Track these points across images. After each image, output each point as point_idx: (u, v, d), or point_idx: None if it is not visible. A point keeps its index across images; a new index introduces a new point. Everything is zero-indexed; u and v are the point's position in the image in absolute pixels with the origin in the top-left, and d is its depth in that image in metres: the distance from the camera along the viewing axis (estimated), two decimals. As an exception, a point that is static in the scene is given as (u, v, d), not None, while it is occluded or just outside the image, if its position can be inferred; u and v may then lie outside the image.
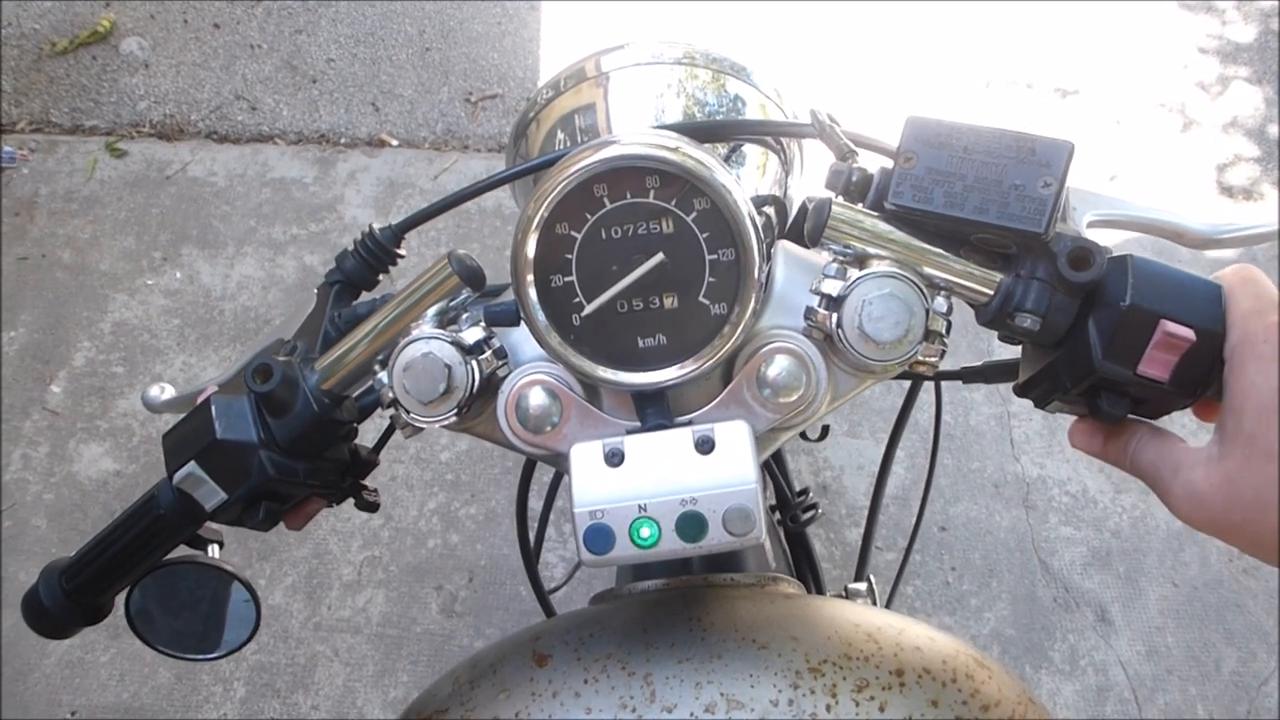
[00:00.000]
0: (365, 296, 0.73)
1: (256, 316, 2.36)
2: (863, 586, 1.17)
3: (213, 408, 0.63)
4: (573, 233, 0.58)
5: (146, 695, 1.91)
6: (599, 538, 0.57)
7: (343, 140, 2.72)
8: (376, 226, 0.71)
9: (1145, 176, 2.72)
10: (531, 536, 1.09)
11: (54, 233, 2.48)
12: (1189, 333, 0.53)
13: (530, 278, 0.58)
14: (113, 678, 1.93)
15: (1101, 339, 0.55)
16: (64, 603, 0.69)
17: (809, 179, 1.01)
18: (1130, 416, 0.58)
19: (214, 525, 0.71)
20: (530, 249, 0.57)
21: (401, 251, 0.73)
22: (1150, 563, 2.14)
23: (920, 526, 1.20)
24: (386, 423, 0.81)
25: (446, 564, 2.06)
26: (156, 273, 2.43)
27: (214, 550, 0.74)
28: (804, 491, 1.10)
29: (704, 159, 0.57)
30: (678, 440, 0.58)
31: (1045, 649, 2.03)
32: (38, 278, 2.41)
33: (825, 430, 1.14)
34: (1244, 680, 2.01)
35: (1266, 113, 2.87)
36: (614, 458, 0.58)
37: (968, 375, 0.81)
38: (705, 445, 0.58)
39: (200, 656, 0.77)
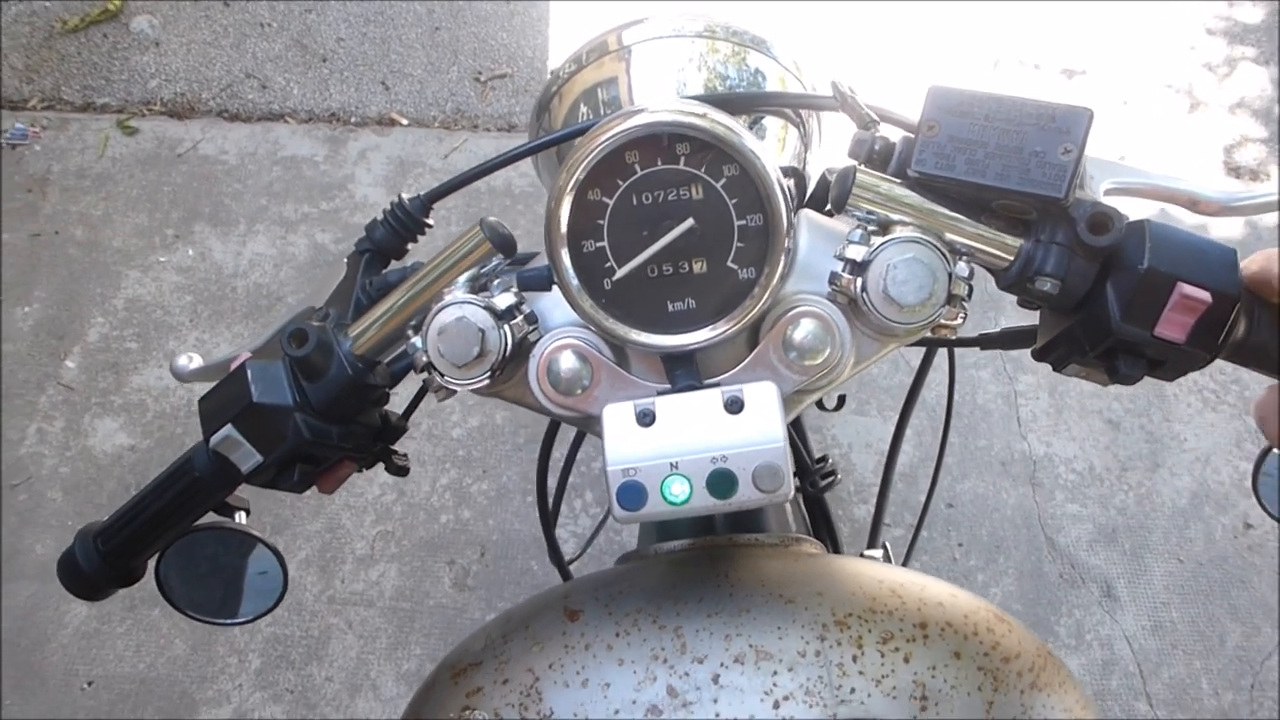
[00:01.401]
0: (394, 265, 0.73)
1: (269, 294, 2.36)
2: (878, 554, 1.18)
3: (248, 372, 0.63)
4: (604, 199, 0.59)
5: (163, 666, 1.92)
6: (632, 494, 0.57)
7: (353, 119, 2.71)
8: (406, 196, 0.71)
9: (1152, 157, 2.70)
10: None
11: (66, 210, 2.47)
12: (1205, 295, 0.54)
13: (564, 243, 0.59)
14: (129, 648, 1.93)
15: (1119, 302, 0.56)
16: (100, 564, 0.70)
17: (825, 153, 1.01)
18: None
19: (241, 494, 0.72)
20: (564, 215, 0.58)
21: (430, 221, 0.72)
22: (1155, 539, 2.14)
23: (935, 490, 1.20)
24: (414, 390, 0.82)
25: (459, 539, 2.06)
26: (169, 250, 2.42)
27: (241, 516, 0.75)
28: (823, 458, 1.10)
29: (733, 126, 0.58)
30: (707, 401, 0.59)
31: (1051, 624, 2.03)
32: (51, 254, 2.40)
33: (842, 400, 1.14)
34: (1248, 655, 2.01)
35: (1273, 93, 2.85)
36: (645, 418, 0.59)
37: (984, 342, 0.82)
38: (734, 405, 0.58)
39: (227, 621, 0.77)
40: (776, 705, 0.55)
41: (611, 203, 0.59)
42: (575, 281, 0.59)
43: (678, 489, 0.57)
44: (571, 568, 1.21)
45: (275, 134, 2.64)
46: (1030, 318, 0.68)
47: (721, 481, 0.57)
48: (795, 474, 1.13)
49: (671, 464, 0.57)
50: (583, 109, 0.93)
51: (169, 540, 0.71)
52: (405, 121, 2.72)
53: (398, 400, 0.69)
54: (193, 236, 2.44)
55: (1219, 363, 0.59)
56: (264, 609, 0.77)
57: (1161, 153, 2.72)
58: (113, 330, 2.30)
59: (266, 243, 2.44)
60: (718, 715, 0.55)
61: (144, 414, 2.19)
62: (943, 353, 1.04)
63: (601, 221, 0.59)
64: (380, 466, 0.74)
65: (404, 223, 0.71)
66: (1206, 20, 3.01)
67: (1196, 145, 2.75)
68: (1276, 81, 2.88)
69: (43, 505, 2.07)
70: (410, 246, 0.74)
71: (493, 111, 2.78)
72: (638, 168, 0.58)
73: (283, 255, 2.42)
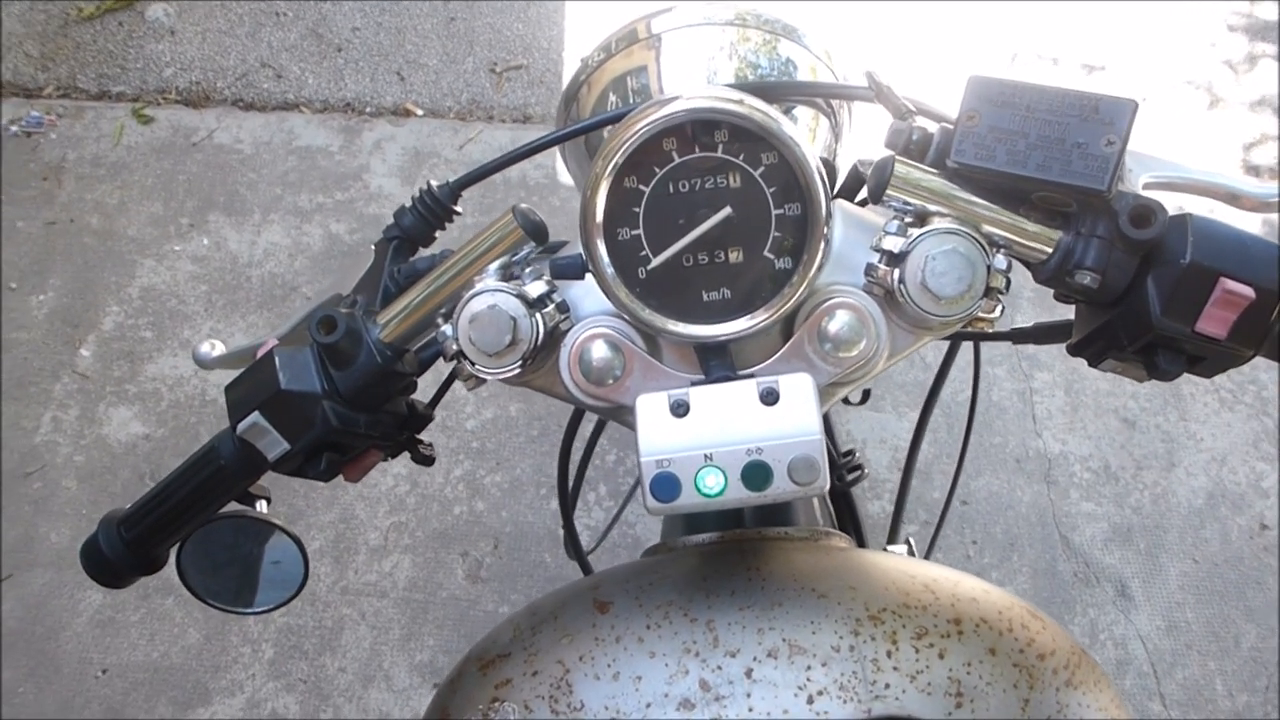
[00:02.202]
0: (423, 252, 0.72)
1: (283, 284, 2.34)
2: (902, 549, 1.16)
3: (276, 359, 0.62)
4: (640, 187, 0.58)
5: (176, 655, 1.91)
6: (665, 486, 0.56)
7: (368, 109, 2.69)
8: (435, 183, 0.70)
9: (1171, 154, 2.67)
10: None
11: (82, 198, 2.46)
12: (1248, 290, 0.54)
13: (599, 231, 0.58)
14: (143, 637, 1.93)
15: (1160, 296, 0.56)
16: (123, 552, 0.69)
17: (854, 145, 1.00)
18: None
19: (262, 482, 0.71)
20: (600, 202, 0.57)
21: (459, 209, 0.72)
22: (1171, 539, 2.12)
23: (956, 485, 1.18)
24: (441, 380, 0.81)
25: (472, 530, 2.05)
26: (184, 239, 2.41)
27: (262, 505, 0.74)
28: (850, 452, 1.10)
29: (772, 113, 0.56)
30: (742, 392, 0.58)
31: (1065, 622, 2.02)
32: (66, 242, 2.39)
33: (866, 394, 1.13)
34: (1263, 656, 2.00)
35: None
36: (679, 408, 0.58)
37: (1017, 336, 0.80)
38: (770, 397, 0.58)
39: (247, 610, 0.77)
40: (811, 700, 0.54)
41: (648, 190, 0.58)
42: (610, 270, 0.58)
43: (712, 481, 0.56)
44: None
45: (290, 124, 2.63)
46: (1053, 312, 0.67)
47: (757, 474, 0.56)
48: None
49: (706, 455, 0.56)
50: (612, 98, 0.92)
51: (192, 528, 0.70)
52: (420, 112, 2.71)
53: (422, 389, 0.69)
54: (207, 226, 2.43)
55: None
56: (284, 598, 0.77)
57: (1180, 150, 2.69)
58: (127, 319, 2.29)
59: (281, 232, 2.43)
60: (751, 710, 0.54)
61: (159, 403, 2.18)
62: (966, 347, 1.02)
63: (637, 209, 0.58)
64: (404, 456, 0.73)
65: (433, 210, 0.70)
66: (1227, 17, 2.97)
67: (1215, 142, 2.72)
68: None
69: (57, 494, 2.07)
70: (438, 234, 0.73)
71: (508, 103, 2.76)
72: (675, 155, 0.57)
73: (297, 245, 2.41)
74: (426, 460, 0.74)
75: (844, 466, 1.07)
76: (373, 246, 0.71)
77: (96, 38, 2.76)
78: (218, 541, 0.74)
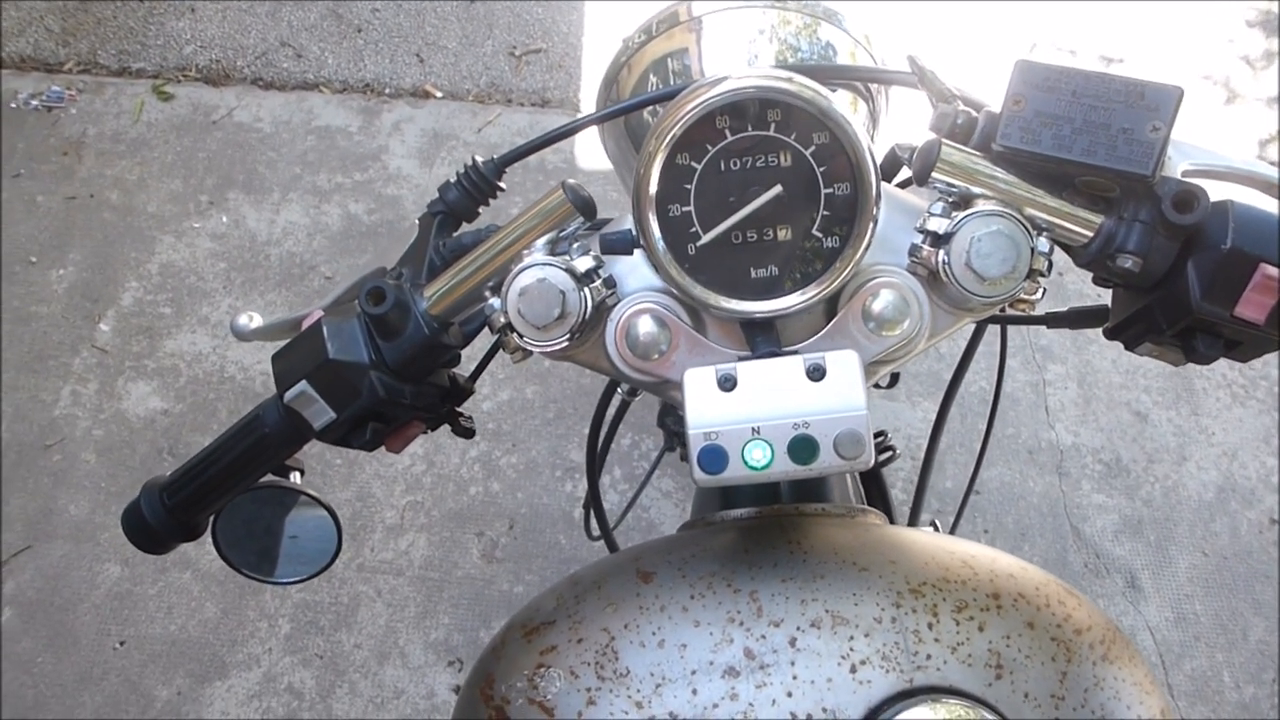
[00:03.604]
0: (466, 228, 0.71)
1: (301, 263, 2.33)
2: (929, 530, 1.16)
3: (324, 329, 0.62)
4: (693, 164, 0.58)
5: (194, 628, 1.90)
6: (713, 458, 0.57)
7: (387, 90, 2.67)
8: (480, 159, 0.70)
9: (1211, 143, 2.65)
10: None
11: (101, 174, 2.44)
12: None
13: (652, 206, 0.58)
14: (160, 610, 1.92)
15: (1200, 281, 0.57)
16: (165, 518, 0.70)
17: (889, 131, 0.98)
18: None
19: (296, 455, 0.72)
20: (654, 178, 0.57)
21: (503, 185, 0.71)
22: (1181, 532, 2.11)
23: (980, 466, 1.17)
24: (481, 354, 0.82)
25: (488, 511, 2.04)
26: (203, 216, 2.39)
27: (296, 477, 0.75)
28: (881, 433, 1.10)
29: (824, 92, 0.57)
30: (789, 367, 0.58)
31: (1076, 613, 2.00)
32: (85, 218, 2.38)
33: (895, 378, 1.12)
34: (1270, 649, 1.99)
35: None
36: (727, 383, 0.58)
37: (1052, 320, 0.80)
38: (817, 373, 0.58)
39: (280, 580, 0.78)
40: (854, 669, 0.54)
41: (700, 168, 0.58)
42: (661, 245, 0.58)
43: (759, 454, 0.56)
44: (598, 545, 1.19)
45: (310, 103, 2.61)
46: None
47: (803, 447, 0.56)
48: None
49: (753, 429, 0.57)
50: (652, 79, 0.92)
51: (233, 496, 0.71)
52: (439, 94, 2.68)
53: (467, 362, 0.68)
54: (226, 204, 2.41)
55: None
56: (315, 570, 0.77)
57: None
58: (146, 295, 2.28)
59: (300, 211, 2.41)
60: (795, 678, 0.54)
61: (177, 379, 2.17)
62: (991, 336, 1.01)
63: (689, 186, 0.58)
64: (445, 428, 0.73)
65: (478, 185, 0.70)
66: (1245, 13, 2.94)
67: (1232, 138, 2.69)
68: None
69: (76, 466, 2.05)
70: (481, 210, 0.72)
71: (527, 86, 2.74)
72: (728, 133, 0.58)
73: (316, 225, 2.39)
74: (467, 433, 0.74)
75: (876, 447, 1.06)
76: (417, 221, 0.71)
77: (117, 14, 2.73)
78: (252, 512, 0.75)
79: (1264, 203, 0.60)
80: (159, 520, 0.70)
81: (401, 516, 2.02)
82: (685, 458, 1.31)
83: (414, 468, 2.07)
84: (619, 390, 1.05)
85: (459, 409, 0.72)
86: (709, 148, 0.58)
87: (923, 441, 1.10)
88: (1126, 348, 0.65)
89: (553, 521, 2.03)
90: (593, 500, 1.05)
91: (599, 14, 2.92)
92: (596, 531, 1.15)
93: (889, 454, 1.11)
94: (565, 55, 2.82)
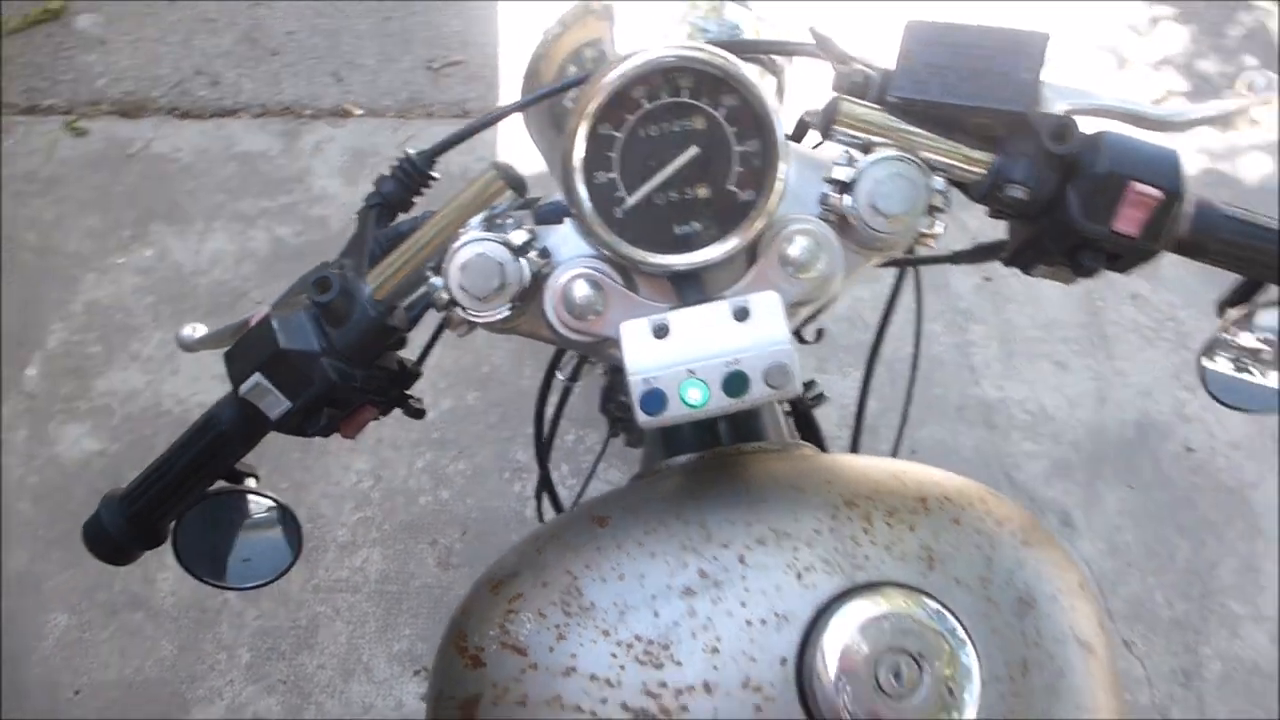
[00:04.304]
0: (402, 217, 0.72)
1: (231, 290, 2.17)
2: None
3: (274, 322, 0.62)
4: (614, 133, 0.60)
5: (150, 669, 1.75)
6: (653, 400, 0.58)
7: (307, 111, 2.52)
8: (412, 151, 0.71)
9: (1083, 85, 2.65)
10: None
11: (15, 215, 2.25)
12: (1156, 192, 0.60)
13: (579, 173, 0.59)
14: (114, 654, 1.77)
15: (1081, 203, 0.61)
16: (126, 527, 0.68)
17: (794, 104, 0.96)
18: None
19: (247, 460, 0.71)
20: (579, 148, 0.59)
21: (435, 175, 0.72)
22: (1107, 470, 2.10)
23: (914, 383, 1.17)
24: (425, 342, 0.82)
25: (439, 519, 1.92)
26: (126, 251, 2.22)
27: (250, 483, 0.73)
28: (811, 382, 1.13)
29: (730, 58, 0.59)
30: (717, 312, 0.60)
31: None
32: (3, 261, 2.19)
33: (820, 333, 1.09)
34: (1196, 567, 1.99)
35: (1194, 49, 2.79)
36: (661, 331, 0.60)
37: (956, 258, 0.82)
38: (742, 314, 0.60)
39: (246, 585, 0.77)
40: (799, 576, 0.57)
41: (621, 136, 0.60)
42: (591, 209, 0.60)
43: (695, 393, 0.58)
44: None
45: (228, 130, 2.44)
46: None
47: (735, 382, 0.58)
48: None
49: (688, 370, 0.58)
50: (571, 69, 0.93)
51: (194, 499, 0.69)
52: (360, 112, 2.54)
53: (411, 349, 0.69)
54: (150, 236, 2.24)
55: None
56: (280, 570, 0.76)
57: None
58: (73, 335, 2.10)
59: (226, 239, 2.25)
60: (747, 590, 0.57)
61: (110, 418, 2.00)
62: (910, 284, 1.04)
63: (612, 154, 0.60)
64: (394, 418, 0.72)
65: (411, 176, 0.70)
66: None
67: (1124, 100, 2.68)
68: (1196, 39, 2.81)
69: (11, 516, 1.88)
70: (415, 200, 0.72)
71: (447, 99, 2.61)
72: (644, 102, 0.60)
73: (243, 251, 2.24)
74: (418, 413, 0.73)
75: (805, 394, 1.09)
76: (355, 215, 0.71)
77: (24, 50, 2.53)
78: (210, 521, 0.73)
79: (1132, 133, 0.64)
80: (120, 529, 0.68)
81: (353, 533, 1.89)
82: (617, 434, 1.23)
83: (361, 484, 1.94)
84: (559, 374, 1.03)
85: (408, 392, 0.72)
86: (628, 117, 0.60)
87: (855, 408, 1.11)
88: (1024, 272, 0.69)
89: (505, 523, 1.92)
90: (544, 483, 1.04)
91: (514, 24, 2.81)
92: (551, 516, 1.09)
93: (820, 397, 1.13)
94: (483, 65, 2.70)
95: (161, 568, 1.82)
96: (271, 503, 0.73)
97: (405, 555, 1.87)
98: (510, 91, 2.64)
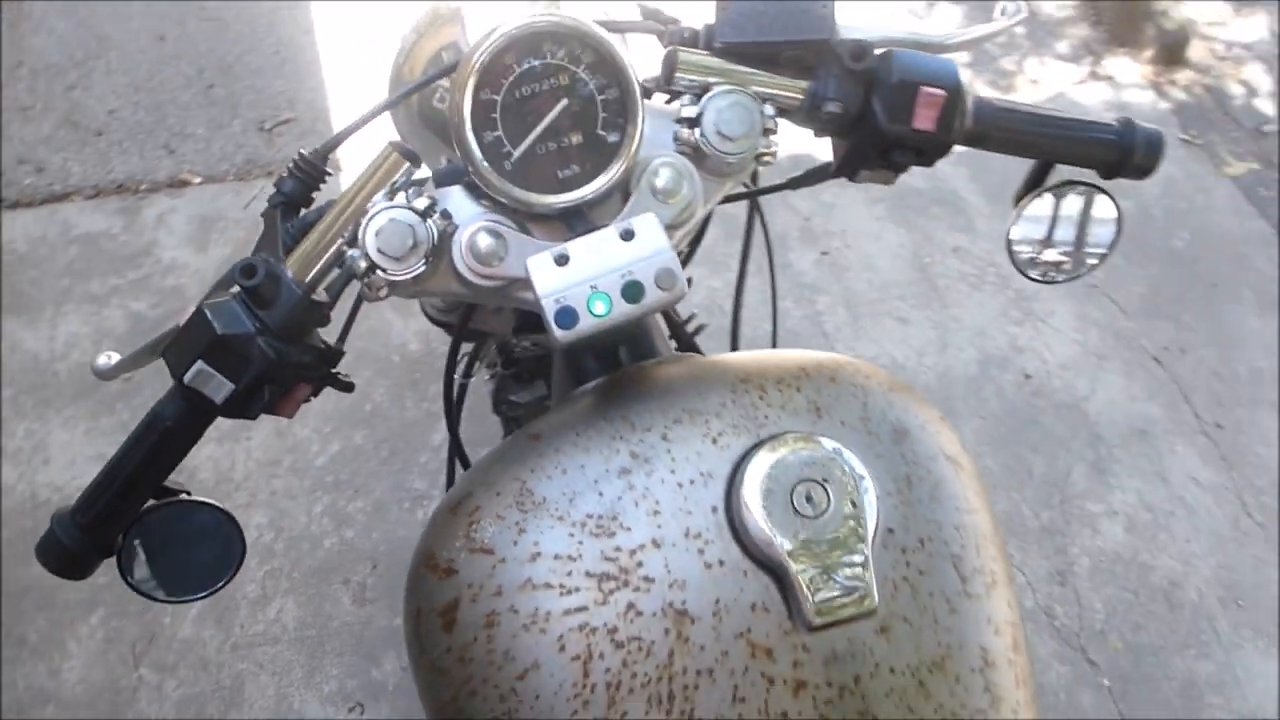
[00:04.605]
0: (304, 212, 0.77)
1: (94, 370, 2.16)
2: None
3: (206, 312, 0.66)
4: (494, 96, 0.69)
5: (70, 756, 1.73)
6: (565, 316, 0.66)
7: (143, 186, 2.53)
8: (306, 151, 0.76)
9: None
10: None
11: None
12: (941, 92, 0.72)
13: (469, 132, 0.68)
14: (28, 752, 1.73)
15: (885, 109, 0.73)
16: (80, 538, 0.70)
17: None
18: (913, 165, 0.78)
19: (175, 478, 0.73)
20: (466, 111, 0.68)
21: (330, 170, 0.76)
22: (959, 405, 2.32)
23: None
24: (344, 322, 0.86)
25: (347, 558, 1.97)
26: (-26, 350, 2.18)
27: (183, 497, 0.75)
28: (691, 316, 1.22)
29: (582, 19, 0.69)
30: (606, 236, 0.68)
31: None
32: None
33: (700, 329, 1.21)
34: (1052, 478, 2.22)
35: (964, 10, 3.12)
36: (562, 259, 0.67)
37: (793, 183, 0.94)
38: (628, 235, 0.68)
39: (197, 596, 0.78)
40: (714, 440, 0.66)
41: (500, 98, 0.69)
42: (484, 163, 0.68)
43: (600, 305, 0.66)
44: None
45: (63, 214, 2.43)
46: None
47: (632, 289, 0.66)
48: (671, 336, 1.20)
49: (591, 286, 0.66)
50: (432, 71, 1.00)
51: (146, 498, 0.71)
52: (198, 180, 2.57)
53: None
54: (-3, 331, 2.21)
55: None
56: (227, 576, 0.78)
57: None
58: (-70, 441, 2.05)
59: (79, 321, 2.24)
60: (674, 459, 0.65)
61: (-14, 516, 1.97)
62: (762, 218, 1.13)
63: (495, 115, 0.69)
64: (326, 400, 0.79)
65: (308, 173, 0.75)
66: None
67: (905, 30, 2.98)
68: (969, 16, 3.15)
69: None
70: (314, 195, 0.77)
71: (284, 156, 2.66)
72: (515, 67, 0.69)
73: (99, 331, 2.23)
74: (348, 387, 0.78)
75: (686, 325, 1.17)
76: (261, 216, 0.75)
77: None
78: (152, 537, 0.74)
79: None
80: (75, 540, 0.70)
81: (262, 587, 1.92)
82: (511, 432, 1.30)
83: (263, 538, 1.97)
84: (457, 377, 1.10)
85: (335, 370, 0.77)
86: (504, 82, 0.69)
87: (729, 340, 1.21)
88: (850, 180, 0.81)
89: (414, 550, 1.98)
90: (453, 439, 1.09)
91: (340, 76, 2.88)
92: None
93: (700, 328, 1.23)
94: (315, 120, 2.77)
95: (66, 656, 1.80)
96: (208, 509, 0.75)
97: (319, 598, 1.91)
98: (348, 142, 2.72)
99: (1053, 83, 3.21)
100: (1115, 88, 3.22)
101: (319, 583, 1.93)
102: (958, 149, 0.77)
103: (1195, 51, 3.36)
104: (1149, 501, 2.26)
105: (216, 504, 0.74)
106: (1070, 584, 2.10)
